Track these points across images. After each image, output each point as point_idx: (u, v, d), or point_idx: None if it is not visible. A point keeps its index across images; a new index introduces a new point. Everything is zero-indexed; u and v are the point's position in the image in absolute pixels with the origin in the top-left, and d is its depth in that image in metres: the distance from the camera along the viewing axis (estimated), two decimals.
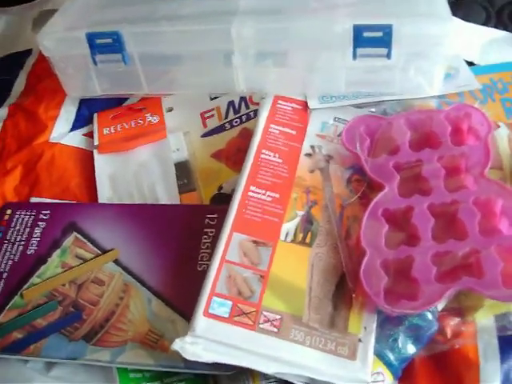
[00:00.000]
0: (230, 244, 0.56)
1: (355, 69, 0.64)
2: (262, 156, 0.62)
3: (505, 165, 0.62)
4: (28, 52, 0.85)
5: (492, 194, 0.56)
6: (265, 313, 0.52)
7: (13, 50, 0.87)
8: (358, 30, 0.60)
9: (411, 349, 0.55)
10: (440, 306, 0.56)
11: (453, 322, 0.57)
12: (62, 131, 0.74)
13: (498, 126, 0.64)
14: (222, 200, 0.65)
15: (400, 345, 0.54)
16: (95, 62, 0.67)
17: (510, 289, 0.51)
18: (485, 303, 0.55)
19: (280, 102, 0.67)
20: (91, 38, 0.64)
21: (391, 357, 0.54)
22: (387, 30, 0.60)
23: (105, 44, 0.65)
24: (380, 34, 0.60)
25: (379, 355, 0.53)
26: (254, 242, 0.56)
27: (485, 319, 0.57)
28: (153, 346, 0.55)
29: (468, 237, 0.54)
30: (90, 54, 0.66)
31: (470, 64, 0.74)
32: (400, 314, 0.52)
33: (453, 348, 0.57)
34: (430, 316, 0.55)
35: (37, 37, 0.67)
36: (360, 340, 0.51)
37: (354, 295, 0.53)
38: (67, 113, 0.75)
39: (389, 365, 0.54)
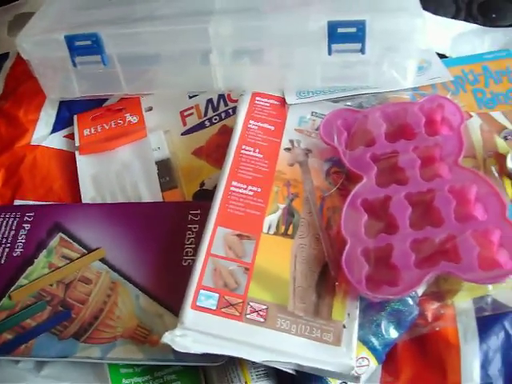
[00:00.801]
0: (215, 238, 0.57)
1: (330, 64, 0.66)
2: (243, 152, 0.63)
3: (478, 153, 0.65)
4: (5, 56, 0.85)
5: (466, 182, 0.58)
6: (251, 303, 0.54)
7: None
8: (332, 27, 0.62)
9: (394, 334, 0.57)
10: (420, 291, 0.58)
11: (433, 306, 0.59)
12: (43, 134, 0.75)
13: (471, 116, 0.67)
14: (205, 196, 0.67)
15: (383, 330, 0.56)
16: (74, 64, 0.67)
17: (487, 271, 0.52)
18: (463, 287, 0.58)
19: (258, 98, 0.68)
20: (70, 41, 0.65)
21: (375, 342, 0.56)
22: (361, 26, 0.61)
23: (84, 46, 0.65)
24: (354, 29, 0.62)
25: (363, 341, 0.55)
26: (238, 235, 0.57)
27: (463, 302, 0.59)
28: (142, 341, 0.56)
29: (444, 223, 0.55)
30: (70, 56, 0.66)
31: (442, 56, 0.76)
32: (382, 300, 0.54)
33: (433, 331, 0.59)
34: (410, 301, 0.57)
35: (15, 40, 0.67)
36: (344, 326, 0.53)
37: (336, 283, 0.55)
38: (47, 115, 0.76)
39: (373, 349, 0.55)
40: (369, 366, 0.55)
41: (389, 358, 0.58)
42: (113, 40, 0.66)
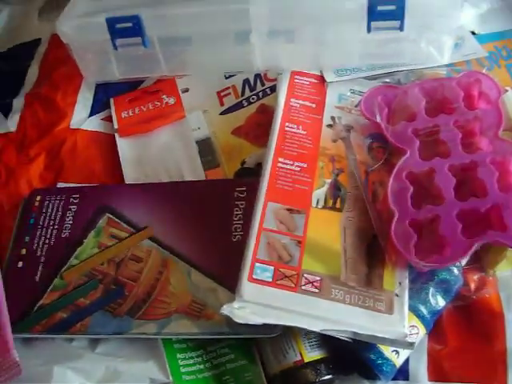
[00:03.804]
0: (266, 213, 0.58)
1: (369, 42, 0.67)
2: (287, 129, 0.64)
3: None
4: (36, 42, 0.85)
5: (507, 154, 0.59)
6: (305, 275, 0.55)
7: (19, 41, 0.87)
8: (372, 4, 0.63)
9: (441, 302, 0.58)
10: (463, 262, 0.60)
11: (475, 277, 0.61)
12: (82, 117, 0.75)
13: (506, 91, 0.68)
14: (246, 174, 0.68)
15: (431, 299, 0.58)
16: (115, 47, 0.68)
17: None
18: (505, 256, 0.59)
19: (297, 77, 0.69)
20: (111, 23, 0.66)
21: (423, 310, 0.57)
22: (400, 3, 0.62)
23: (125, 28, 0.66)
24: (393, 7, 0.63)
25: (412, 309, 0.56)
26: (289, 209, 0.58)
27: (505, 272, 0.61)
28: (197, 316, 0.57)
29: (488, 194, 0.56)
30: (110, 39, 0.67)
31: (471, 34, 0.77)
32: (431, 268, 0.55)
33: (478, 301, 0.60)
34: (456, 271, 0.59)
35: (56, 24, 0.67)
36: (397, 295, 0.54)
37: (386, 254, 0.56)
38: (84, 99, 0.77)
39: (421, 318, 0.57)
40: (418, 333, 0.57)
41: (435, 328, 0.59)
42: (153, 22, 0.66)
